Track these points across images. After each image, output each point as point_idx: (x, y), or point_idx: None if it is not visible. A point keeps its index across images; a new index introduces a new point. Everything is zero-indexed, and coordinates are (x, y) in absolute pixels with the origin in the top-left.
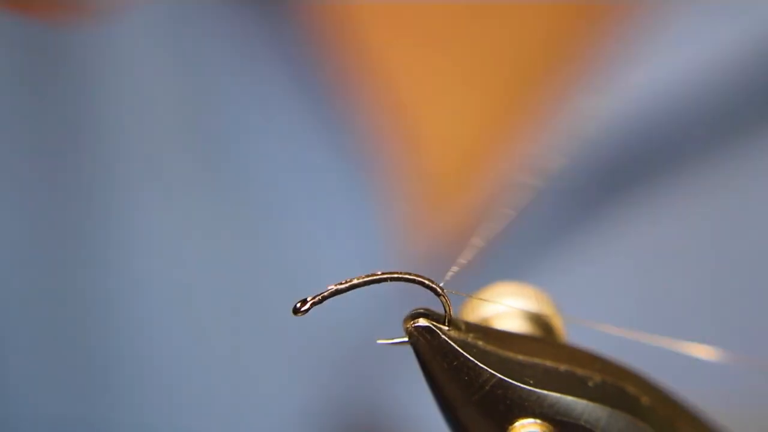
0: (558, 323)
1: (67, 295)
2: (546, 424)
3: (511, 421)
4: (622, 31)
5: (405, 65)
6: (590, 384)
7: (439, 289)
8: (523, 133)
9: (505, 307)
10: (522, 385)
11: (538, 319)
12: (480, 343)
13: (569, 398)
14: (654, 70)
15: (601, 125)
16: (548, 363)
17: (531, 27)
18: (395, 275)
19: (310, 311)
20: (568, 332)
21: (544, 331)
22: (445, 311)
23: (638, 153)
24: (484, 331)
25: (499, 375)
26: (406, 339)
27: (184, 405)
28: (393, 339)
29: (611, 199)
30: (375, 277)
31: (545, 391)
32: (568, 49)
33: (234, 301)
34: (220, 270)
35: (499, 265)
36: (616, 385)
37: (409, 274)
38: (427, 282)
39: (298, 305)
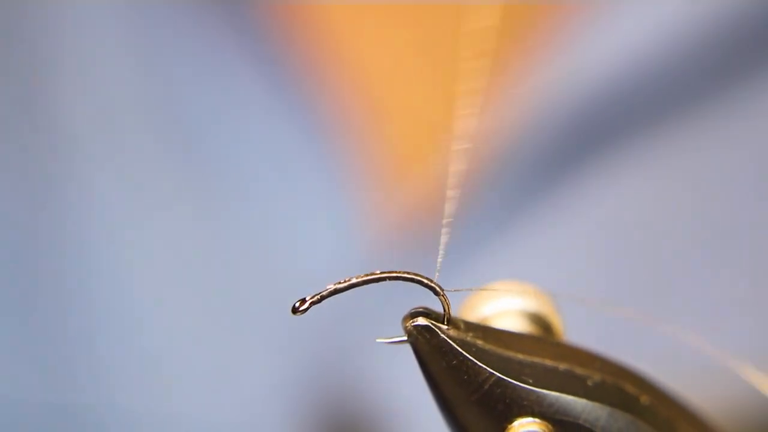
0: (557, 322)
1: (39, 285)
2: (545, 422)
3: (510, 420)
4: (580, 2)
5: (369, 47)
6: (589, 383)
7: (438, 289)
8: (487, 106)
9: (505, 303)
10: (521, 384)
11: (537, 318)
12: (479, 342)
13: (568, 397)
14: (610, 39)
15: (560, 94)
16: (547, 362)
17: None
18: (394, 275)
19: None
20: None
21: (543, 330)
22: (444, 310)
23: (597, 121)
24: (483, 330)
25: (498, 374)
26: (405, 338)
27: (163, 387)
28: (392, 338)
29: (571, 168)
30: (374, 277)
31: (544, 390)
32: (527, 21)
33: (207, 285)
34: (193, 255)
35: (463, 239)
36: (616, 384)
37: (409, 273)
38: (426, 281)
39: (297, 305)
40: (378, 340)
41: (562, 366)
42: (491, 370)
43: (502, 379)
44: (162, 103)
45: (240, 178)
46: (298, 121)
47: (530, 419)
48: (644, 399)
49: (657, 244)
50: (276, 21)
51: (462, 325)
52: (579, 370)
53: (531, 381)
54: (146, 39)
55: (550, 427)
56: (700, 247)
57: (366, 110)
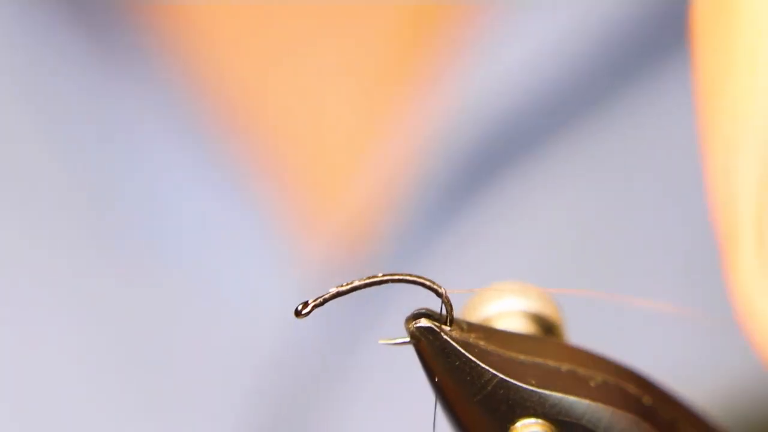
0: (560, 321)
1: None
2: (548, 423)
3: (513, 421)
4: (489, 12)
5: (262, 69)
6: (592, 384)
7: (440, 290)
8: (402, 117)
9: (507, 304)
10: (524, 386)
11: (539, 319)
12: (482, 343)
13: (571, 398)
14: (519, 45)
15: (473, 104)
16: (550, 363)
17: (394, 17)
18: (396, 277)
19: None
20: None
21: (546, 330)
22: (447, 312)
23: (514, 125)
24: (485, 331)
25: (501, 375)
26: (407, 339)
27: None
28: (395, 339)
29: (493, 174)
30: (376, 279)
31: (547, 391)
32: (437, 32)
33: (130, 340)
34: (111, 312)
35: (403, 244)
36: (618, 385)
37: (410, 275)
38: (428, 283)
39: (300, 308)
40: (381, 342)
41: (565, 367)
42: (494, 371)
43: (505, 380)
44: (66, 157)
45: (152, 224)
46: (208, 159)
47: (533, 420)
48: (646, 400)
49: (588, 239)
50: (160, 41)
51: (464, 326)
52: (582, 371)
53: (534, 382)
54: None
55: (552, 427)
56: (630, 238)
57: (277, 138)
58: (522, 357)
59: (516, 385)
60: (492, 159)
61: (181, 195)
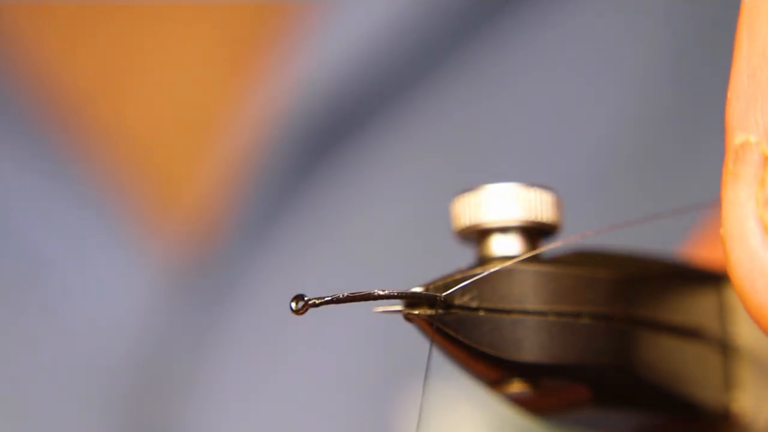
0: (558, 222)
1: None
2: (537, 385)
3: (504, 383)
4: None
5: (97, 62)
6: (578, 326)
7: (438, 299)
8: (239, 106)
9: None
10: (516, 360)
11: (535, 225)
12: (474, 305)
13: (558, 363)
14: (349, 26)
15: (305, 90)
16: (539, 308)
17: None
18: (394, 292)
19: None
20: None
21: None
22: (438, 307)
23: (348, 109)
24: (479, 286)
25: (494, 353)
26: (398, 308)
27: None
28: (387, 308)
29: (331, 159)
30: (372, 295)
31: (537, 360)
32: (272, 20)
33: None
34: None
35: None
36: (605, 315)
37: (406, 292)
38: (424, 296)
39: (293, 305)
40: (374, 310)
41: (553, 310)
42: (485, 350)
43: (496, 357)
44: None
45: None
46: (47, 158)
47: (522, 382)
48: (633, 313)
49: (435, 216)
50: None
51: (458, 293)
52: (569, 309)
53: (526, 349)
54: None
55: (540, 390)
56: None
57: (113, 135)
58: (513, 311)
59: (506, 360)
60: (332, 141)
61: (20, 196)
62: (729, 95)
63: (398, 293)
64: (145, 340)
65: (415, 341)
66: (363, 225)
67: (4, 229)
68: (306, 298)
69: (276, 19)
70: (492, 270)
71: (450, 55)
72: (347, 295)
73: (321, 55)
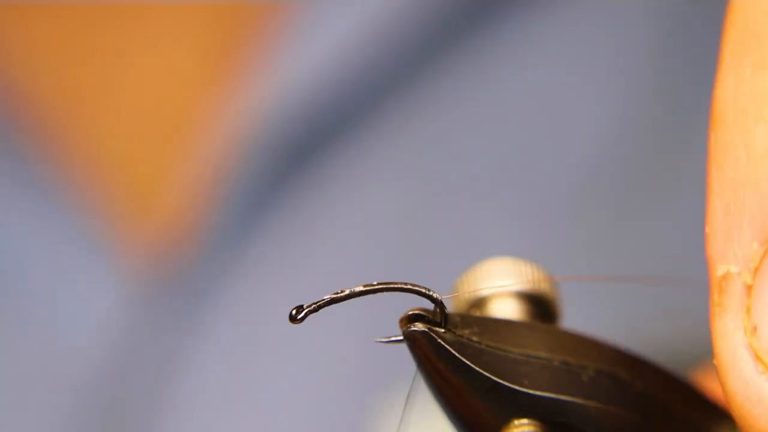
0: (555, 298)
1: None
2: (540, 423)
3: (506, 422)
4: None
5: (70, 70)
6: (584, 377)
7: (435, 296)
8: (214, 116)
9: (502, 289)
10: (517, 388)
11: (534, 298)
12: (475, 339)
13: (563, 398)
14: (328, 32)
15: (289, 95)
16: (543, 355)
17: (202, 14)
18: (391, 285)
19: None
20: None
21: (540, 308)
22: (442, 316)
23: (333, 117)
24: (479, 323)
25: (495, 378)
26: (401, 338)
27: None
28: (390, 338)
29: (310, 168)
30: (371, 288)
31: (539, 393)
32: (246, 29)
33: None
34: None
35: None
36: (611, 374)
37: (405, 284)
38: (423, 291)
39: (294, 312)
40: (376, 340)
41: (558, 358)
42: (488, 375)
43: (499, 383)
44: None
45: None
46: (21, 167)
47: (525, 420)
48: (638, 385)
49: (409, 228)
50: None
51: (459, 320)
52: (574, 361)
53: (527, 382)
54: None
55: (544, 427)
56: (451, 225)
57: (87, 143)
58: (515, 351)
59: (509, 387)
60: (306, 152)
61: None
62: (707, 230)
63: (395, 285)
64: (115, 350)
65: (387, 356)
66: (336, 237)
67: None
68: (302, 305)
69: (253, 28)
70: (481, 289)
71: (427, 68)
72: (347, 294)
73: (297, 66)
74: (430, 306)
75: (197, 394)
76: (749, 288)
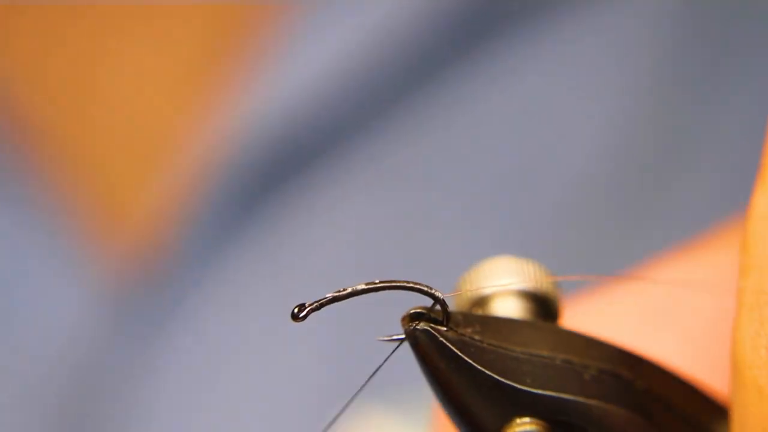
0: (557, 297)
1: None
2: (542, 422)
3: (508, 420)
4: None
5: (53, 70)
6: (586, 376)
7: (438, 295)
8: (198, 122)
9: (503, 287)
10: (519, 386)
11: (536, 297)
12: (477, 337)
13: (565, 397)
14: (321, 44)
15: (275, 105)
16: (545, 353)
17: (192, 18)
18: (393, 284)
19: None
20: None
21: (542, 307)
22: (444, 315)
23: (318, 130)
24: (481, 322)
25: (497, 377)
26: (403, 336)
27: None
28: (391, 336)
29: (296, 180)
30: (373, 286)
31: (541, 391)
32: (237, 34)
33: None
34: None
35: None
36: (613, 373)
37: (407, 282)
38: (425, 289)
39: (296, 311)
40: (378, 339)
41: (560, 357)
42: (490, 373)
43: (501, 381)
44: None
45: None
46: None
47: (528, 419)
48: (640, 384)
49: (389, 242)
50: None
51: (461, 319)
52: (576, 360)
53: (529, 381)
54: None
55: (547, 425)
56: (429, 238)
57: (64, 145)
58: (518, 350)
59: (511, 386)
60: (286, 165)
61: None
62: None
63: (397, 283)
64: (85, 359)
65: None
66: (311, 252)
67: None
68: (304, 304)
69: (241, 37)
70: (481, 288)
71: (414, 86)
72: (349, 292)
73: (280, 84)
74: (432, 305)
75: (167, 404)
76: None
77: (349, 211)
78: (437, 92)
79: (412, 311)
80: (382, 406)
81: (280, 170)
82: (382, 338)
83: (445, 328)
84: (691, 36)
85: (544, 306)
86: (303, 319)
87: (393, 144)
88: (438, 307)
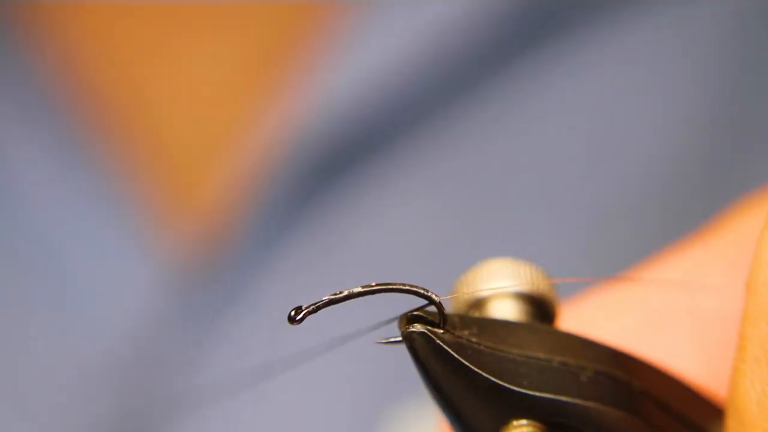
0: (554, 299)
1: None
2: (539, 424)
3: (505, 422)
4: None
5: (122, 61)
6: (583, 378)
7: (435, 297)
8: (262, 113)
9: (501, 290)
10: (516, 389)
11: (533, 298)
12: (474, 340)
13: (562, 399)
14: (379, 42)
15: (336, 98)
16: (542, 355)
17: (257, 16)
18: (390, 286)
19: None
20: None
21: (539, 309)
22: (440, 317)
23: (374, 123)
24: (478, 324)
25: (494, 379)
26: (400, 339)
27: None
28: (389, 338)
29: (353, 174)
30: (370, 289)
31: (539, 393)
32: (299, 32)
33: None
34: None
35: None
36: (609, 374)
37: (404, 284)
38: (422, 291)
39: (293, 314)
40: (376, 341)
41: (557, 359)
42: (487, 375)
43: (498, 384)
44: None
45: (5, 216)
46: (64, 151)
47: (525, 421)
48: (637, 385)
49: (442, 239)
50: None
51: (458, 321)
52: (573, 362)
53: (525, 383)
54: None
55: (544, 427)
56: (484, 233)
57: (134, 131)
58: (515, 352)
59: (508, 388)
60: (348, 156)
61: (36, 187)
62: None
63: (393, 286)
64: (148, 336)
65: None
66: (369, 244)
67: (16, 216)
68: (301, 306)
69: (307, 32)
70: (480, 290)
71: (469, 88)
72: (345, 295)
73: (345, 76)
74: (431, 307)
75: (227, 385)
76: None
77: (406, 204)
78: (489, 95)
79: (408, 314)
80: (413, 412)
81: (341, 161)
82: (379, 341)
83: (441, 331)
84: (760, 34)
85: (540, 308)
86: (299, 322)
87: (447, 141)
88: (430, 307)
